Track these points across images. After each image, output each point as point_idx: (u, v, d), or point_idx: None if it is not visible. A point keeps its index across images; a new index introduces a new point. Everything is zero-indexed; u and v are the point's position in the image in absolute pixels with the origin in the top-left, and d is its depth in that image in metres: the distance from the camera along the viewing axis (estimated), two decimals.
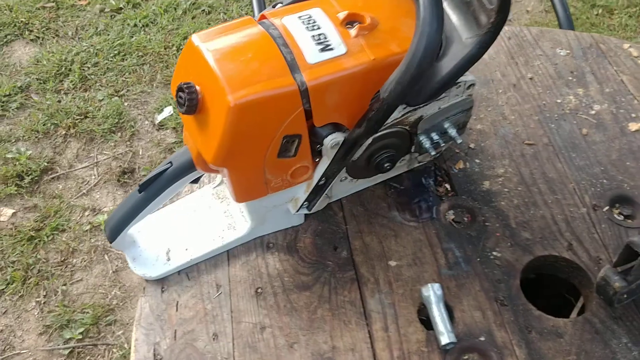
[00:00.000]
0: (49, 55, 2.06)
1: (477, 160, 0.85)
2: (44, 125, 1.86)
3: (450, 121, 0.77)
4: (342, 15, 0.67)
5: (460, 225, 0.79)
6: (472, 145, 0.87)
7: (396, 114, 0.71)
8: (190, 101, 0.63)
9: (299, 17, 0.67)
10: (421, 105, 0.72)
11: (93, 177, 1.75)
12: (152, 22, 2.18)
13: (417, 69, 0.60)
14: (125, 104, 1.93)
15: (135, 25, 2.17)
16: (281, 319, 0.71)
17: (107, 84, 1.99)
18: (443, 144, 0.78)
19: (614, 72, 0.95)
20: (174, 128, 1.85)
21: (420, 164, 0.84)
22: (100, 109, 1.90)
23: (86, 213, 1.66)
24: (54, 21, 2.20)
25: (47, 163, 1.77)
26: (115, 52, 2.08)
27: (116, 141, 1.84)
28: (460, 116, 0.77)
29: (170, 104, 1.90)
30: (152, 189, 0.70)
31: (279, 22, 0.66)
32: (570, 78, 0.95)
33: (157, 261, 0.76)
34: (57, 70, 2.01)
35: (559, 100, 0.92)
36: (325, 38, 0.65)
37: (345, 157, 0.70)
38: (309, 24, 0.66)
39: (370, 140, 0.71)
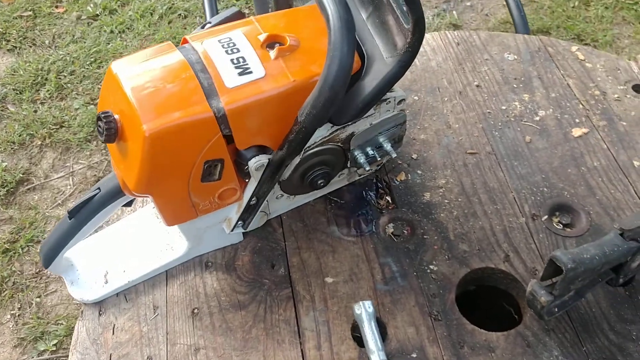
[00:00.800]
0: (25, 65, 2.06)
1: (419, 172, 0.85)
2: (19, 136, 1.86)
3: (385, 135, 0.77)
4: (262, 37, 0.67)
5: (399, 238, 0.79)
6: (414, 156, 0.87)
7: (324, 133, 0.71)
8: (108, 130, 0.63)
9: (219, 40, 0.67)
10: (349, 123, 0.72)
11: (69, 187, 1.76)
12: (128, 28, 2.18)
13: (329, 92, 0.59)
14: None
15: (111, 31, 2.17)
16: (216, 339, 0.72)
17: (84, 92, 1.99)
18: (379, 158, 0.78)
19: (561, 76, 0.94)
20: None
21: (361, 176, 0.84)
22: (76, 118, 1.91)
23: None
24: (31, 30, 2.21)
25: (23, 174, 1.78)
26: (92, 59, 2.08)
27: (92, 150, 1.84)
28: (394, 130, 0.77)
29: None
30: (82, 215, 0.70)
31: (199, 46, 0.66)
32: (517, 83, 0.94)
33: (95, 284, 0.76)
34: (34, 80, 2.01)
35: (504, 107, 0.91)
36: (244, 61, 0.65)
37: (273, 178, 0.70)
38: (228, 47, 0.66)
39: (298, 159, 0.71)
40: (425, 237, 0.78)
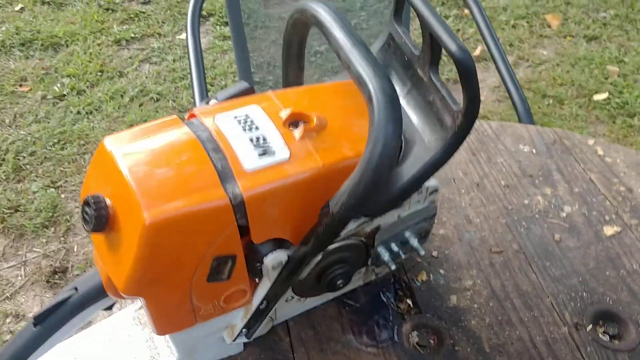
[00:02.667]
0: None
1: (442, 271, 0.75)
2: None
3: (412, 230, 0.68)
4: (284, 114, 0.58)
5: (425, 350, 0.68)
6: (435, 254, 0.77)
7: (352, 226, 0.61)
8: (98, 218, 0.52)
9: (235, 116, 0.58)
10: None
11: (19, 278, 1.59)
12: (96, 110, 2.08)
13: (372, 178, 0.50)
14: (62, 195, 1.79)
15: (78, 112, 2.07)
16: None
17: (44, 175, 1.85)
18: (404, 255, 0.69)
19: (582, 170, 0.89)
20: None
21: (378, 276, 0.74)
22: (34, 202, 1.76)
23: (8, 320, 1.48)
24: None
25: None
26: (55, 140, 1.96)
27: (49, 237, 1.69)
28: (422, 225, 0.68)
29: None
30: (51, 321, 0.57)
31: (210, 122, 0.57)
32: (536, 177, 0.87)
33: None
34: None
35: (526, 202, 0.84)
36: (265, 141, 0.56)
37: (290, 278, 0.59)
38: (245, 124, 0.57)
39: (320, 256, 0.60)
40: (456, 348, 0.68)
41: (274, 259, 0.57)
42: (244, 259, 0.56)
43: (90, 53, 2.32)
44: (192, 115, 0.59)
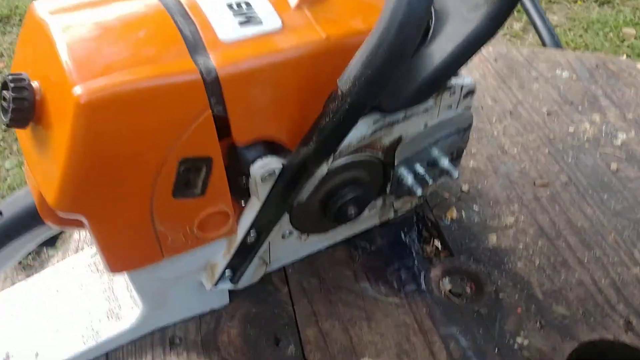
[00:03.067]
0: None
1: (475, 207, 0.61)
2: None
3: (441, 147, 0.53)
4: None
5: (461, 299, 0.54)
6: (465, 188, 0.63)
7: (364, 130, 0.47)
8: (17, 101, 0.37)
9: None
10: (400, 118, 0.48)
11: None
12: None
13: (396, 38, 0.36)
14: None
15: None
16: None
17: (19, 152, 1.70)
18: (430, 180, 0.54)
19: (634, 96, 0.74)
20: None
21: (397, 213, 0.59)
22: (7, 180, 1.61)
23: None
24: None
25: None
26: None
27: None
28: (454, 139, 0.54)
29: None
30: None
31: None
32: (580, 103, 0.73)
33: None
34: None
35: (571, 129, 0.69)
36: (249, 6, 0.41)
37: (286, 196, 0.45)
38: None
39: (325, 170, 0.46)
40: (500, 295, 0.53)
41: (264, 167, 0.42)
42: (223, 167, 0.42)
43: None
44: None
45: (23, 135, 0.42)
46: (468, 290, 0.54)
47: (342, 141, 0.41)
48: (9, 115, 0.37)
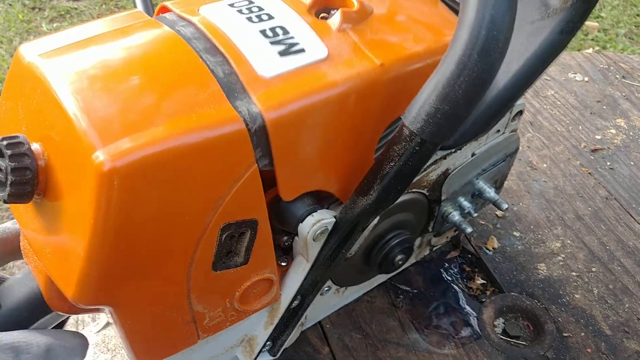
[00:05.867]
0: None
1: (516, 233, 0.55)
2: None
3: (486, 176, 0.48)
4: None
5: (521, 342, 0.48)
6: (500, 212, 0.57)
7: None
8: (19, 172, 0.29)
9: (231, 4, 0.36)
10: (453, 150, 0.42)
11: None
12: None
13: (479, 72, 0.30)
14: None
15: None
16: None
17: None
18: (475, 213, 0.48)
19: None
20: None
21: (433, 250, 0.53)
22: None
23: None
24: None
25: None
26: None
27: None
28: (500, 167, 0.48)
29: None
30: None
31: (194, 16, 0.35)
32: (601, 107, 0.69)
33: None
34: None
35: (598, 137, 0.65)
36: (286, 33, 0.34)
37: (338, 253, 0.38)
38: (251, 13, 0.35)
39: (377, 218, 0.39)
40: (565, 334, 0.48)
41: (316, 224, 0.35)
42: (270, 228, 0.35)
43: None
44: (164, 10, 0.37)
45: (20, 208, 0.34)
46: (527, 329, 0.49)
47: (407, 188, 0.35)
48: (8, 189, 0.29)
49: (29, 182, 0.30)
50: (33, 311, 0.35)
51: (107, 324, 0.47)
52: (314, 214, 0.36)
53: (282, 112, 0.31)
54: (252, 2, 0.36)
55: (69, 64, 0.31)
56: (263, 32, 0.34)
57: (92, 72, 0.31)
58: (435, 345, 0.47)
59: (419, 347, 0.47)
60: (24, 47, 0.33)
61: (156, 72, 0.31)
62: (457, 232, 0.54)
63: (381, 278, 0.50)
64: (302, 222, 0.35)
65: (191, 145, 0.29)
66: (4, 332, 0.34)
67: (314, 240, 0.36)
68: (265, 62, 0.33)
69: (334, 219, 0.36)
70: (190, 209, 0.30)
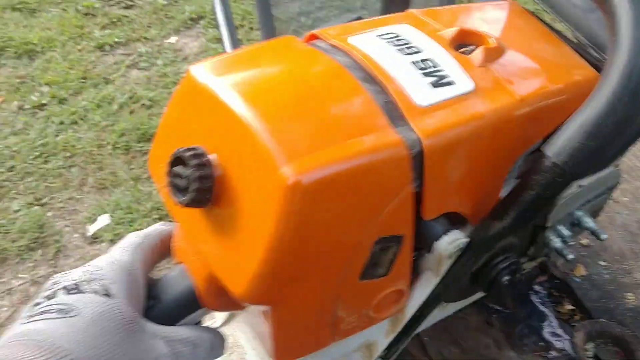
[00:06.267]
0: None
1: (602, 262, 0.58)
2: None
3: (587, 206, 0.50)
4: (449, 33, 0.40)
5: None
6: (584, 242, 0.60)
7: None
8: (201, 181, 0.33)
9: (380, 35, 0.40)
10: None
11: (4, 308, 1.35)
12: (82, 119, 1.86)
13: (631, 113, 0.33)
14: (49, 214, 1.57)
15: (61, 122, 1.84)
16: None
17: (26, 191, 1.62)
18: (572, 241, 0.51)
19: None
20: (111, 241, 1.49)
21: (522, 273, 0.56)
22: (16, 222, 1.53)
23: None
24: None
25: None
26: (37, 153, 1.73)
27: (36, 260, 1.46)
28: (602, 198, 0.51)
29: (107, 212, 1.55)
30: None
31: (344, 44, 0.39)
32: None
33: None
34: None
35: None
36: (436, 65, 0.38)
37: (465, 272, 0.41)
38: (399, 45, 0.39)
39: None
40: None
41: (453, 243, 0.38)
42: (412, 244, 0.38)
43: (71, 59, 2.10)
44: (313, 37, 0.41)
45: (185, 212, 0.37)
46: (617, 356, 0.51)
47: (539, 214, 0.38)
48: (191, 195, 0.33)
49: (209, 189, 0.33)
50: (184, 307, 0.38)
51: (224, 323, 0.50)
52: (449, 233, 0.38)
53: (437, 139, 0.34)
54: (398, 35, 0.40)
55: (244, 85, 0.35)
56: (414, 63, 0.37)
57: (267, 93, 0.34)
58: None
59: None
60: (195, 68, 0.37)
61: (326, 97, 0.35)
62: (546, 257, 0.57)
63: (477, 296, 0.53)
64: (437, 240, 0.38)
65: (362, 166, 0.32)
66: (178, 327, 0.37)
67: (448, 257, 0.39)
68: (420, 92, 0.36)
69: (467, 239, 0.39)
70: (354, 222, 0.33)
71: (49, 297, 0.35)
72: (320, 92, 0.35)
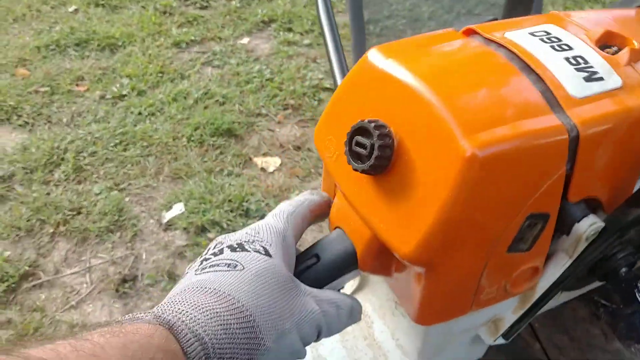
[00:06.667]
0: (38, 142, 1.79)
1: None
2: (27, 221, 1.55)
3: None
4: (595, 34, 0.43)
5: None
6: None
7: None
8: (383, 149, 0.37)
9: (531, 33, 0.43)
10: None
11: (85, 285, 1.43)
12: (159, 111, 1.95)
13: None
14: (127, 199, 1.65)
15: (139, 113, 1.93)
16: None
17: (106, 176, 1.71)
18: None
19: None
20: (185, 229, 1.56)
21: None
22: (97, 205, 1.61)
23: (75, 330, 1.32)
24: (47, 106, 1.96)
25: (29, 267, 1.44)
26: (117, 141, 1.82)
27: (114, 242, 1.53)
28: None
29: (181, 201, 1.62)
30: None
31: (502, 39, 0.42)
32: None
33: None
34: (48, 159, 1.73)
35: None
36: (586, 62, 0.41)
37: (594, 255, 0.44)
38: (551, 41, 0.42)
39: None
40: None
41: (592, 226, 0.41)
42: (554, 224, 0.41)
43: (150, 54, 2.20)
44: (471, 32, 0.45)
45: (352, 180, 0.41)
46: None
47: None
48: (372, 162, 0.37)
49: (388, 157, 0.37)
50: (342, 267, 0.42)
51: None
52: (588, 216, 0.42)
53: (591, 128, 0.38)
54: (550, 33, 0.43)
55: (420, 67, 0.39)
56: (567, 59, 0.41)
57: (441, 75, 0.38)
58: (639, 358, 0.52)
59: (624, 356, 0.52)
60: (372, 54, 0.41)
61: (493, 81, 0.39)
62: None
63: (587, 288, 0.56)
64: (578, 222, 0.42)
65: (529, 146, 0.36)
66: (325, 290, 0.41)
67: (585, 240, 0.42)
68: (574, 84, 0.39)
69: (603, 224, 0.42)
70: (515, 197, 0.37)
71: (215, 254, 0.40)
72: (487, 77, 0.39)
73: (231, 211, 1.59)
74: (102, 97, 2.01)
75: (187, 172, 1.72)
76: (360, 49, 1.15)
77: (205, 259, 0.40)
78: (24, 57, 2.18)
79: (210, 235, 1.53)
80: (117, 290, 1.41)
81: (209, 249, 0.41)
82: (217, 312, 0.34)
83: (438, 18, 1.52)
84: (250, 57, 2.24)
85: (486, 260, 0.40)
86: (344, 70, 0.89)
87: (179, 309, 0.34)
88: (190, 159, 1.77)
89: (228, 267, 0.38)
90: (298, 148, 1.84)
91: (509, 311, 0.47)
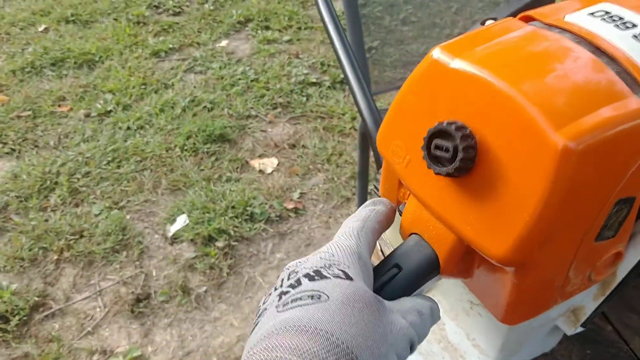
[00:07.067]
0: (28, 169, 1.74)
1: None
2: (29, 250, 1.51)
3: None
4: None
5: None
6: None
7: None
8: (467, 151, 0.35)
9: (591, 14, 0.42)
10: None
11: (98, 309, 1.40)
12: (147, 124, 1.91)
13: None
14: (128, 216, 1.62)
15: (128, 128, 1.90)
16: None
17: (103, 196, 1.67)
18: None
19: None
20: (192, 240, 1.53)
21: None
22: (98, 226, 1.58)
23: (95, 357, 1.29)
24: (31, 131, 1.91)
25: (38, 297, 1.41)
26: (109, 158, 1.78)
27: (122, 262, 1.50)
28: None
29: (183, 212, 1.60)
30: None
31: (563, 23, 0.41)
32: None
33: None
34: (41, 185, 1.69)
35: None
36: None
37: None
38: (613, 21, 0.41)
39: None
40: None
41: None
42: (639, 206, 0.40)
43: (129, 67, 2.16)
44: (527, 18, 0.43)
45: (430, 185, 0.40)
46: None
47: None
48: (456, 164, 0.35)
49: (472, 159, 0.36)
50: (426, 274, 0.41)
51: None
52: None
53: None
54: (609, 12, 0.42)
55: (493, 63, 0.37)
56: (635, 37, 0.40)
57: (515, 68, 0.37)
58: None
59: None
60: (437, 53, 0.39)
61: (568, 69, 0.37)
62: None
63: None
64: None
65: (618, 132, 0.35)
66: (402, 299, 0.39)
67: None
68: None
69: None
70: (606, 185, 0.36)
71: (293, 286, 0.37)
72: (561, 65, 0.37)
73: (236, 217, 1.57)
74: (87, 116, 1.97)
75: (186, 183, 1.70)
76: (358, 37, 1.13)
77: (284, 292, 0.37)
78: (1, 83, 2.12)
79: (218, 244, 1.51)
80: (132, 311, 1.38)
81: (283, 279, 0.39)
82: (314, 352, 0.32)
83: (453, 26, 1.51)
84: (231, 59, 2.21)
85: (575, 252, 0.39)
86: (352, 63, 0.87)
87: (275, 355, 0.32)
88: (186, 169, 1.74)
89: (312, 299, 0.36)
90: (293, 146, 1.82)
91: (588, 299, 0.46)
